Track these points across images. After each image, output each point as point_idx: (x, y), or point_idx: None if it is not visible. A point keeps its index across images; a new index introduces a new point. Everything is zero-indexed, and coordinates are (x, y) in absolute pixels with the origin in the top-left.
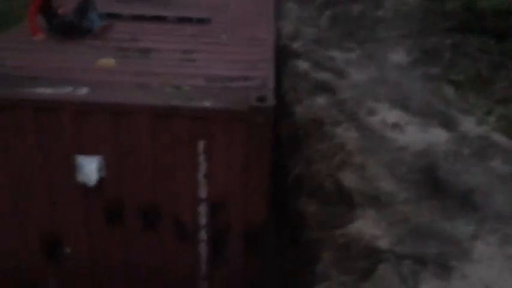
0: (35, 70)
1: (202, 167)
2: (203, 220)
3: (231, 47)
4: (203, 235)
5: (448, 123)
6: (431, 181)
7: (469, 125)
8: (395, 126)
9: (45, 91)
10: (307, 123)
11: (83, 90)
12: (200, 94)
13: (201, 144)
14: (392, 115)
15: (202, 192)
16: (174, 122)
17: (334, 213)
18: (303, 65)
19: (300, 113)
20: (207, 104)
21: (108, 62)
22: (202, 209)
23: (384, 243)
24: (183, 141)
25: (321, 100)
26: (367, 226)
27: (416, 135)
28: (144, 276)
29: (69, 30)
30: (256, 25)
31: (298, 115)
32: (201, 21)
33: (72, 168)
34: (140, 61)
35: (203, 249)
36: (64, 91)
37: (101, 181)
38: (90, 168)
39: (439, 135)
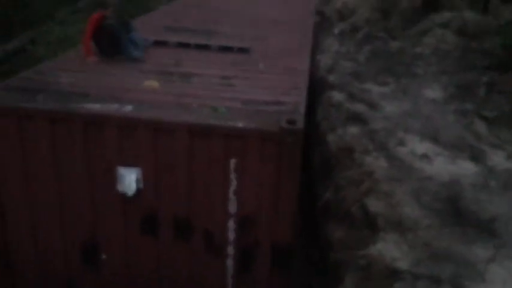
0: (86, 88)
1: (233, 184)
2: (231, 235)
3: (267, 75)
4: (231, 249)
5: (477, 157)
6: (454, 209)
7: (498, 159)
8: (424, 157)
9: (93, 107)
10: (338, 151)
11: (128, 108)
12: (235, 115)
13: (232, 162)
14: (422, 146)
15: (232, 208)
16: (209, 140)
17: (358, 236)
18: (337, 96)
19: (332, 142)
20: (240, 124)
21: (153, 83)
22: (231, 224)
23: (402, 264)
24: (217, 159)
25: (353, 130)
26: (388, 249)
27: (444, 167)
28: (174, 286)
29: (115, 43)
30: (293, 56)
31: (330, 143)
32: (241, 50)
33: (113, 179)
34: (182, 84)
35: (230, 263)
36: (111, 107)
37: (138, 192)
38: (129, 179)
39: (466, 168)
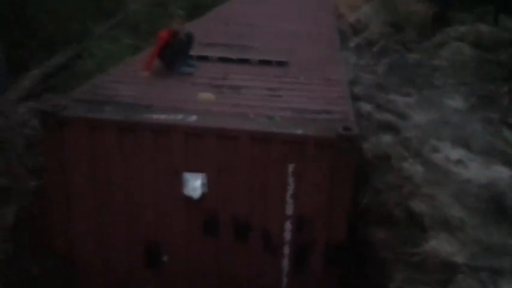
0: (148, 100)
1: (291, 188)
2: (288, 235)
3: (309, 86)
4: (286, 249)
5: (510, 162)
6: (498, 209)
7: None
8: (459, 162)
9: (160, 117)
10: (374, 158)
11: (193, 118)
12: (291, 123)
13: (291, 167)
14: (456, 153)
15: (289, 210)
16: (269, 147)
17: (404, 236)
18: (365, 106)
19: (367, 149)
20: (299, 131)
21: (208, 95)
22: (288, 225)
23: (459, 259)
24: (276, 164)
25: (386, 138)
26: (441, 245)
27: (480, 171)
28: (233, 285)
29: (180, 58)
30: (328, 67)
31: (365, 151)
32: (279, 63)
33: (179, 183)
34: (234, 96)
35: (285, 263)
36: (176, 117)
37: (202, 195)
38: (195, 184)
39: (501, 172)
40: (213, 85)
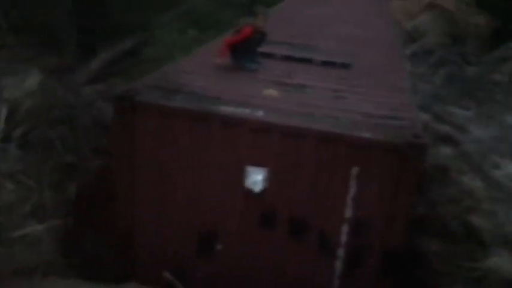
0: (216, 92)
1: (352, 191)
2: (344, 238)
3: (374, 91)
4: (341, 252)
5: None
6: None
7: None
8: None
9: (228, 109)
10: (432, 169)
11: (260, 112)
12: (358, 126)
13: (354, 170)
14: None
15: (348, 213)
16: (335, 148)
17: (462, 250)
18: (423, 116)
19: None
20: (367, 135)
21: (272, 92)
22: (345, 228)
23: None
24: (340, 166)
25: (445, 150)
26: (503, 262)
27: None
28: (283, 282)
29: (250, 50)
30: (392, 73)
31: None
32: (343, 65)
33: (241, 175)
34: (298, 94)
35: (339, 265)
36: (244, 111)
37: (263, 190)
38: (257, 178)
39: None
40: (278, 82)
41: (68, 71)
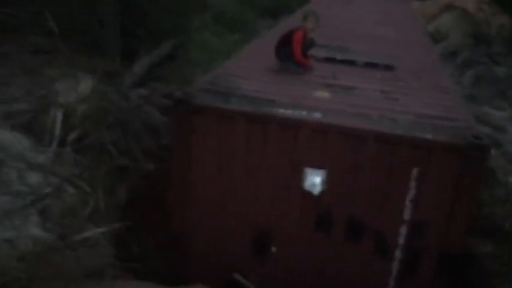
0: (268, 94)
1: (412, 192)
2: (401, 239)
3: (422, 91)
4: (398, 253)
5: None
6: None
7: None
8: None
9: (286, 112)
10: None
11: (317, 114)
12: (416, 127)
13: (415, 171)
14: None
15: (406, 214)
16: (395, 149)
17: None
18: None
19: None
20: (428, 136)
21: (323, 94)
22: (403, 230)
23: None
24: (400, 167)
25: None
26: None
27: None
28: (338, 284)
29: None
30: (434, 74)
31: None
32: (386, 67)
33: (299, 177)
34: (348, 96)
35: (395, 267)
36: (301, 113)
37: (321, 192)
38: (315, 180)
39: None
40: (325, 84)
41: (116, 76)
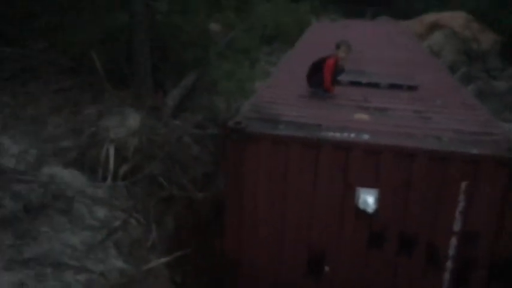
0: (313, 119)
1: (461, 205)
2: (452, 251)
3: (451, 109)
4: (450, 264)
5: None
6: None
7: None
8: None
9: (337, 135)
10: None
11: (365, 136)
12: (460, 143)
13: (463, 185)
14: None
15: (457, 226)
16: (445, 165)
17: None
18: None
19: None
20: (474, 150)
21: (363, 116)
22: (453, 241)
23: None
24: (449, 181)
25: None
26: None
27: None
28: None
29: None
30: (456, 91)
31: None
32: (410, 87)
33: (352, 197)
34: (385, 117)
35: (447, 277)
36: (351, 136)
37: (376, 210)
38: (369, 199)
39: None
40: (360, 107)
41: (157, 109)
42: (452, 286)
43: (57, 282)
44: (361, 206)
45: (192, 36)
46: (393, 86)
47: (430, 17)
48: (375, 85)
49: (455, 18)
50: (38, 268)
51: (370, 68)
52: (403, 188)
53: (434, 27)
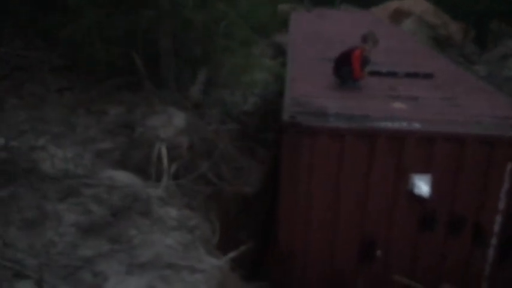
0: (358, 110)
1: (506, 185)
2: (497, 228)
3: (475, 95)
4: (494, 240)
5: None
6: None
7: None
8: None
9: (389, 125)
10: None
11: (416, 125)
12: (501, 127)
13: (508, 166)
14: None
15: (501, 205)
16: (491, 148)
17: None
18: None
19: None
20: None
21: (400, 105)
22: (498, 219)
23: None
24: (495, 163)
25: None
26: None
27: None
28: (440, 276)
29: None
30: (467, 78)
31: None
32: (426, 76)
33: (406, 183)
34: (420, 105)
35: (491, 252)
36: (399, 125)
37: (429, 194)
38: (424, 185)
39: None
40: (391, 96)
41: (196, 107)
42: (496, 261)
43: (182, 282)
44: (416, 191)
45: (201, 30)
46: (410, 75)
47: (393, 4)
48: (393, 74)
49: (417, 5)
50: (157, 271)
51: (377, 58)
52: (453, 172)
53: (398, 13)
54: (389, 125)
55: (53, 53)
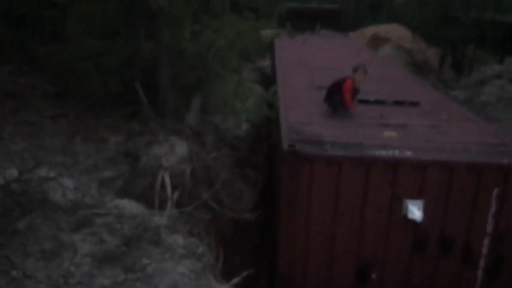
0: (351, 138)
1: (493, 209)
2: (485, 250)
3: (461, 123)
4: (483, 262)
5: None
6: None
7: None
8: None
9: (382, 153)
10: None
11: (408, 153)
12: (488, 154)
13: (495, 191)
14: None
15: (489, 228)
16: (479, 174)
17: None
18: None
19: None
20: (505, 160)
21: (391, 133)
22: (486, 241)
23: None
24: (483, 188)
25: None
26: None
27: None
28: None
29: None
30: (451, 106)
31: None
32: (412, 103)
33: (400, 209)
34: (409, 133)
35: (480, 274)
36: (393, 153)
37: (422, 218)
38: (417, 209)
39: None
40: (381, 124)
41: (196, 135)
42: (485, 282)
43: None
44: (409, 216)
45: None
46: (397, 103)
47: (370, 30)
48: (381, 102)
49: (394, 31)
50: None
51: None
52: (444, 197)
53: (376, 39)
54: (383, 153)
55: (42, 79)
